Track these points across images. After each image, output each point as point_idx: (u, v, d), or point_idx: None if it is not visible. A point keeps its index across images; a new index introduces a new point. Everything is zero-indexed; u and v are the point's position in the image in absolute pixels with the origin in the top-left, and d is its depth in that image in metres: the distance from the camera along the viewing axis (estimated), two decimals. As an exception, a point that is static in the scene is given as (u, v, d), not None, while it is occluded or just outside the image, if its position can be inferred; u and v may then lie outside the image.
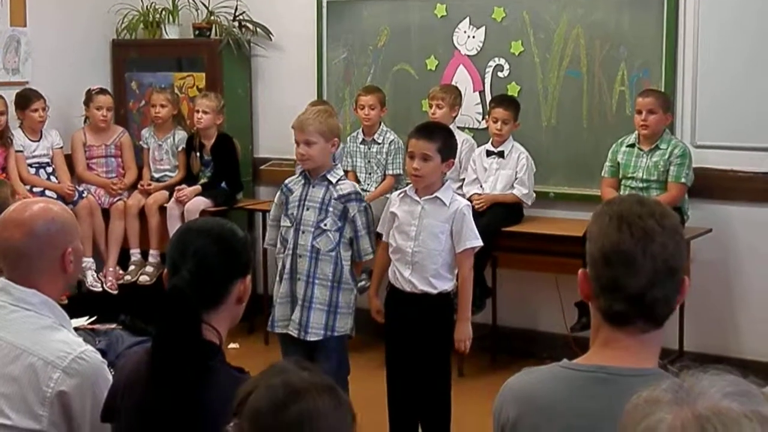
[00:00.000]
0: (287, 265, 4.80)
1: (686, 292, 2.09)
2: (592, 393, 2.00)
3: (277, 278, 4.91)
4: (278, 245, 4.89)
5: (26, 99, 6.79)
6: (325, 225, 4.72)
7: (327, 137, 4.73)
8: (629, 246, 2.03)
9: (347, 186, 4.78)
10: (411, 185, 4.75)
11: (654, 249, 2.02)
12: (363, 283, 6.17)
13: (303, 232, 4.75)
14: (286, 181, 4.92)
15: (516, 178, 6.28)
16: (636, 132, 5.95)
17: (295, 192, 4.80)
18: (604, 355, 2.07)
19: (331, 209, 4.72)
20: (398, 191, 4.90)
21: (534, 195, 6.36)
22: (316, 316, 4.75)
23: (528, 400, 2.11)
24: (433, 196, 4.61)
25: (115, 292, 7.02)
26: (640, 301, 2.03)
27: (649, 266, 2.02)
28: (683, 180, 5.80)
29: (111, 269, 7.08)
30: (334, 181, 4.74)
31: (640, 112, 5.84)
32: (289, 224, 4.79)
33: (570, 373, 2.09)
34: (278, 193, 4.94)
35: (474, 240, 4.64)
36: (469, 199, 6.12)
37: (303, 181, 4.81)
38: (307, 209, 4.75)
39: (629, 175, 5.94)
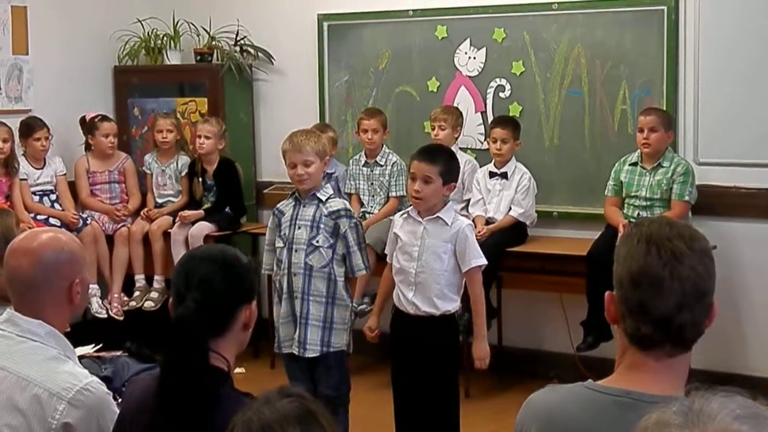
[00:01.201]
0: (284, 285, 4.85)
1: (715, 316, 2.05)
2: (615, 418, 1.97)
3: (276, 299, 4.94)
4: (275, 267, 4.92)
5: (30, 127, 6.81)
6: (317, 242, 4.76)
7: (321, 156, 4.83)
8: (657, 268, 1.99)
9: (337, 203, 4.84)
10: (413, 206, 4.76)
11: (682, 272, 1.99)
12: (364, 306, 6.17)
13: (296, 251, 4.79)
14: (278, 205, 4.98)
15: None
16: (638, 150, 5.95)
17: (287, 213, 4.86)
18: (630, 379, 2.04)
19: (322, 226, 4.76)
20: (401, 212, 4.91)
21: (535, 215, 6.36)
22: (312, 333, 4.78)
23: (550, 419, 2.09)
24: (435, 216, 4.62)
25: (121, 318, 7.01)
26: (667, 325, 2.00)
27: (677, 289, 1.99)
28: (687, 198, 5.80)
29: (116, 295, 7.08)
30: (323, 199, 4.79)
31: (642, 131, 5.85)
32: (282, 244, 4.84)
33: (594, 395, 2.06)
34: (271, 217, 5.00)
35: (478, 258, 4.64)
36: (473, 221, 6.14)
37: (293, 203, 4.86)
38: (299, 228, 4.79)
39: (632, 194, 5.94)
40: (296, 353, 4.81)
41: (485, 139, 6.60)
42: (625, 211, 5.96)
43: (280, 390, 1.92)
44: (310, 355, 4.79)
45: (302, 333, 4.79)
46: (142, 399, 2.53)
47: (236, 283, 2.56)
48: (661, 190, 5.84)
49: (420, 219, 4.65)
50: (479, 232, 6.10)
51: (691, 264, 2.00)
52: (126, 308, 7.07)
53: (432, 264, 4.61)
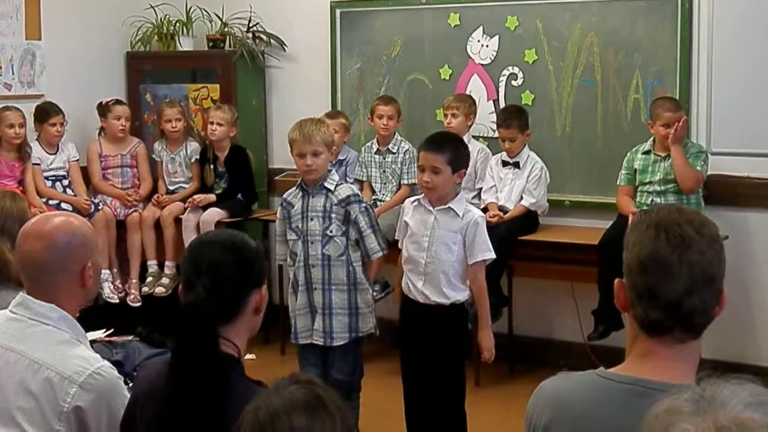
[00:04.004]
0: (300, 277, 4.84)
1: (725, 303, 2.06)
2: (627, 406, 1.96)
3: (290, 290, 4.95)
4: (288, 259, 4.91)
5: (45, 112, 6.82)
6: (331, 232, 4.76)
7: (329, 146, 4.83)
8: (666, 253, 2.00)
9: (345, 189, 4.83)
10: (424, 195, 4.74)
11: (691, 256, 1.99)
12: (374, 294, 6.18)
13: (311, 243, 4.79)
14: (285, 196, 4.96)
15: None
16: (651, 139, 5.94)
17: (296, 205, 4.85)
18: (641, 367, 2.04)
19: (333, 215, 4.77)
20: (412, 199, 4.89)
21: (546, 205, 6.35)
22: (339, 322, 4.81)
23: (562, 407, 2.09)
24: (447, 206, 4.60)
25: (138, 304, 7.03)
26: (676, 309, 2.00)
27: (685, 274, 1.99)
28: (699, 168, 5.75)
29: (134, 281, 7.11)
30: (332, 188, 4.78)
31: (668, 126, 5.77)
32: (295, 237, 4.84)
33: (606, 383, 2.06)
34: (279, 209, 4.99)
35: (487, 252, 4.62)
36: (484, 209, 6.13)
37: (301, 194, 4.85)
38: (311, 220, 4.78)
39: (646, 181, 5.91)
40: (321, 343, 4.82)
41: (497, 128, 6.57)
42: (638, 199, 5.94)
43: (291, 377, 1.92)
44: (338, 343, 4.82)
45: (327, 323, 4.80)
46: (152, 384, 2.54)
47: (245, 267, 2.55)
48: (675, 174, 5.78)
49: (431, 208, 4.63)
50: (492, 216, 6.09)
51: (699, 249, 2.01)
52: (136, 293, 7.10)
53: (441, 255, 4.60)
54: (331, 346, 4.81)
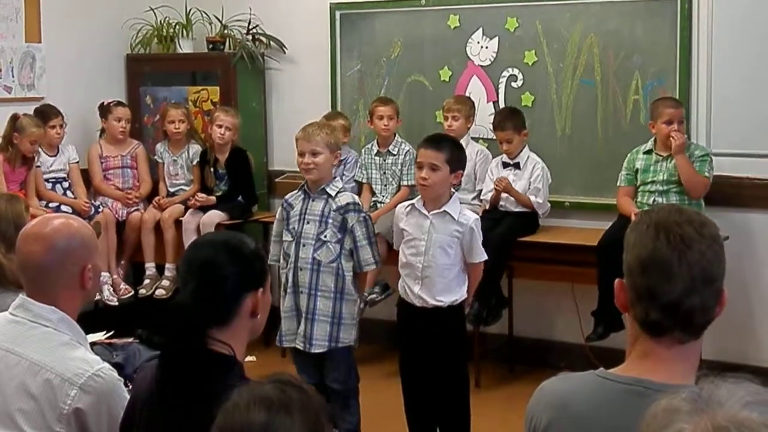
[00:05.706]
0: (290, 279, 4.85)
1: (725, 303, 2.05)
2: (627, 406, 1.96)
3: (281, 292, 4.94)
4: (281, 260, 4.92)
5: (45, 115, 6.81)
6: (325, 237, 4.76)
7: (332, 149, 4.83)
8: (665, 253, 1.99)
9: (345, 197, 4.84)
10: (419, 198, 4.75)
11: (691, 257, 1.99)
12: (374, 296, 6.17)
13: (304, 246, 4.79)
14: (287, 197, 4.98)
15: (530, 188, 6.26)
16: (652, 139, 5.93)
17: (296, 207, 4.86)
18: (641, 368, 2.04)
19: (330, 221, 4.76)
20: (404, 204, 4.89)
21: (549, 206, 6.34)
22: (320, 329, 4.79)
23: (561, 407, 2.09)
24: (442, 210, 4.62)
25: (120, 295, 7.05)
26: (676, 310, 2.00)
27: (685, 274, 1.98)
28: (706, 174, 5.75)
29: (120, 272, 7.12)
30: (333, 194, 4.79)
31: (671, 123, 5.77)
32: (290, 238, 4.84)
33: (605, 384, 2.06)
34: (279, 209, 5.00)
35: (481, 255, 4.72)
36: (485, 211, 6.13)
37: (303, 196, 4.87)
38: (308, 222, 4.79)
39: (648, 181, 5.90)
40: (301, 348, 4.82)
41: (494, 130, 6.56)
42: (639, 199, 5.92)
43: (272, 375, 1.91)
44: (316, 350, 4.80)
45: (308, 328, 4.79)
46: (151, 386, 2.52)
47: (239, 269, 2.50)
48: (683, 182, 5.76)
49: (426, 212, 4.64)
50: (498, 182, 6.14)
51: (700, 249, 2.00)
52: (126, 296, 7.10)
53: (438, 259, 4.62)
54: (311, 352, 4.80)
